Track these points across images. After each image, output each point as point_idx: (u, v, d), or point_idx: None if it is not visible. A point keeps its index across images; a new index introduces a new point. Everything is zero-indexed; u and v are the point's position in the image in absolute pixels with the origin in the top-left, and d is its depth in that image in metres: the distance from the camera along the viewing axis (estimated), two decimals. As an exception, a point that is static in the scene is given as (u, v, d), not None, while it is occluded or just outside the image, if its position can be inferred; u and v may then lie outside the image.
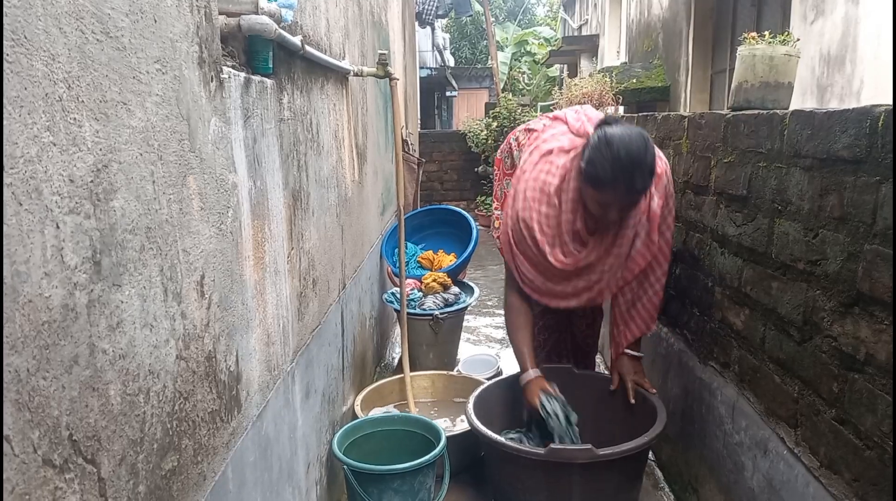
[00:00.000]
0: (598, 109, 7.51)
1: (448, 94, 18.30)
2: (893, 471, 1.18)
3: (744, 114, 1.88)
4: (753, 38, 2.37)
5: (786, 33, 2.39)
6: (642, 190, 1.90)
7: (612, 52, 10.75)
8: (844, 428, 1.34)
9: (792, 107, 1.87)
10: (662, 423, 2.09)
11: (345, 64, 2.45)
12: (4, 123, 0.65)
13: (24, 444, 0.65)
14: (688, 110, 6.51)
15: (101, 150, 0.81)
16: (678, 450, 2.37)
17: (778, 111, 1.70)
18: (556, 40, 18.23)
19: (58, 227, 0.72)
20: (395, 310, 3.47)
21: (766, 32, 2.37)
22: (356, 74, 2.65)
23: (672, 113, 2.57)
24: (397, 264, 3.57)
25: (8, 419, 0.63)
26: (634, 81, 7.07)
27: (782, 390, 1.61)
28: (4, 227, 0.64)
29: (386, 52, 2.87)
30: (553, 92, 10.48)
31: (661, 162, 2.05)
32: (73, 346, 0.74)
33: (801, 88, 4.38)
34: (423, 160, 5.96)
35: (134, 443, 0.86)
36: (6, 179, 0.64)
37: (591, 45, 12.60)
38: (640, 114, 3.15)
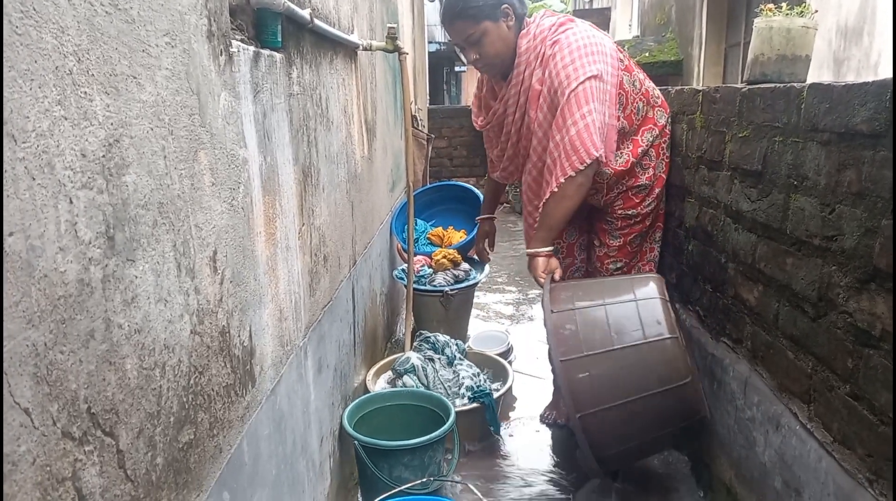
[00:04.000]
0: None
1: (457, 69, 18.12)
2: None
3: (760, 87, 1.85)
4: (770, 9, 2.32)
5: (803, 5, 2.33)
6: (456, 16, 2.16)
7: (624, 25, 10.60)
8: (859, 404, 1.34)
9: (808, 81, 1.83)
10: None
11: (353, 38, 2.43)
12: (16, 96, 0.64)
13: (44, 417, 0.66)
14: (701, 85, 6.42)
15: (112, 124, 0.80)
16: (688, 426, 2.37)
17: (795, 84, 1.66)
18: (565, 13, 17.96)
19: (71, 202, 0.72)
20: (406, 286, 3.47)
21: (784, 4, 2.32)
22: (365, 49, 2.62)
23: (686, 87, 2.53)
24: (407, 241, 3.57)
25: (27, 393, 0.64)
26: (647, 54, 6.98)
27: (796, 366, 1.60)
28: (18, 201, 0.64)
29: (395, 25, 2.83)
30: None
31: (556, 47, 2.15)
32: (90, 320, 0.74)
33: (818, 61, 4.30)
34: (433, 136, 5.93)
35: (151, 416, 0.87)
36: (19, 154, 0.64)
37: (602, 19, 12.44)
38: (653, 88, 3.10)
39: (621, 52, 2.34)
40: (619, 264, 2.48)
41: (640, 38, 8.06)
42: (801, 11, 2.29)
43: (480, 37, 2.17)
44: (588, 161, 2.07)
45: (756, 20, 2.27)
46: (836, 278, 1.42)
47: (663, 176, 2.44)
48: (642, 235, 2.47)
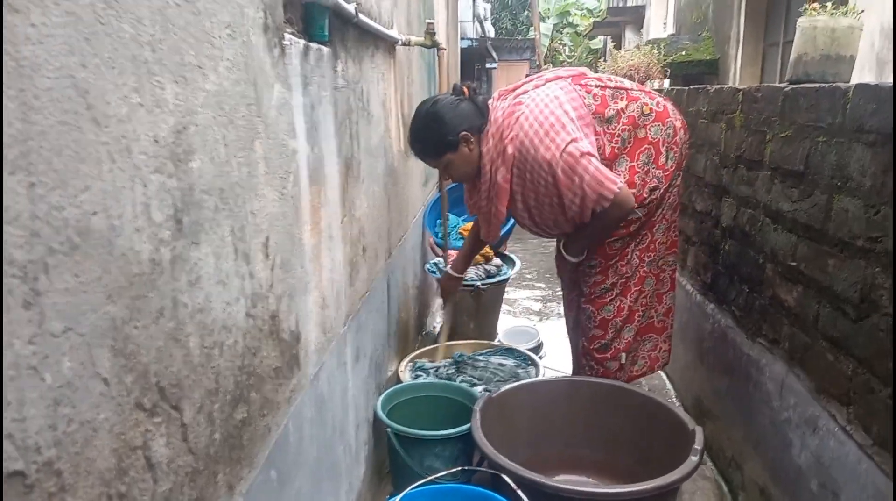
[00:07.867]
0: (644, 82, 7.14)
1: (488, 65, 18.07)
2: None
3: (804, 87, 1.83)
4: (815, 8, 2.29)
5: (849, 5, 2.30)
6: (418, 154, 2.26)
7: (659, 23, 10.48)
8: (900, 407, 1.33)
9: (851, 82, 1.82)
10: (690, 466, 1.72)
11: (393, 33, 2.46)
12: (100, 83, 0.68)
13: (120, 388, 0.70)
14: (737, 84, 6.32)
15: (181, 112, 0.84)
16: (721, 426, 2.36)
17: (841, 85, 1.65)
18: (599, 11, 17.83)
19: (145, 185, 0.76)
20: (437, 279, 3.49)
21: (829, 3, 2.29)
22: (404, 44, 2.65)
23: (725, 86, 2.52)
24: (440, 235, 3.59)
25: (106, 364, 0.67)
26: (682, 53, 6.89)
27: (835, 368, 1.59)
28: (101, 183, 0.67)
29: (433, 21, 2.85)
30: (599, 64, 10.28)
31: (515, 142, 2.07)
32: (160, 299, 0.78)
33: (860, 62, 4.20)
34: (464, 132, 5.93)
35: (210, 393, 0.91)
36: (102, 138, 0.68)
37: (636, 16, 12.31)
38: (690, 87, 3.08)
39: (590, 91, 2.15)
40: (595, 268, 2.30)
41: (675, 37, 7.97)
42: (847, 11, 2.26)
43: (446, 166, 2.22)
44: (615, 189, 2.01)
45: (800, 19, 2.24)
46: (880, 280, 1.41)
47: (654, 182, 2.16)
48: (624, 240, 2.24)
